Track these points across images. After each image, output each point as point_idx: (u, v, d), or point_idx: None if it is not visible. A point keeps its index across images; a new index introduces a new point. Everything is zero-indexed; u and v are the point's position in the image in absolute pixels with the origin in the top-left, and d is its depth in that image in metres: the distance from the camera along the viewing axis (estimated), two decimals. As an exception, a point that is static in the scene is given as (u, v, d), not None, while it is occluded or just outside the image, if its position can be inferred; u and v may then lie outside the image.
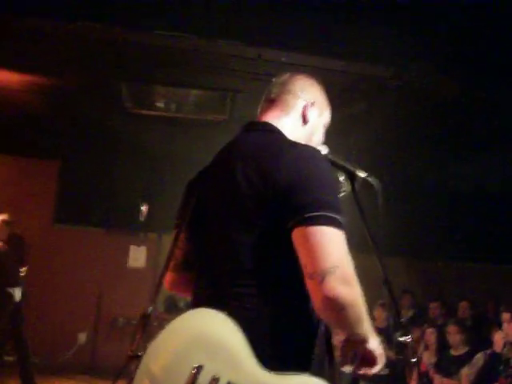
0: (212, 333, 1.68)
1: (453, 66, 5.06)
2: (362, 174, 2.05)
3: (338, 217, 1.71)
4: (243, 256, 1.79)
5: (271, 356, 1.70)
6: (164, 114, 7.10)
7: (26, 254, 7.16)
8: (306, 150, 1.86)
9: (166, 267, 1.95)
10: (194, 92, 6.63)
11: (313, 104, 2.08)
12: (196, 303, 1.91)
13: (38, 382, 7.19)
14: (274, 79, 2.14)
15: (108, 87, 6.57)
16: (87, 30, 5.00)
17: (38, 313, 8.61)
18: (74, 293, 8.96)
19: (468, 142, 7.38)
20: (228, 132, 2.09)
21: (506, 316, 5.32)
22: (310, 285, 1.69)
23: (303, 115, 2.06)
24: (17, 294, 6.74)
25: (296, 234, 1.71)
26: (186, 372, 1.62)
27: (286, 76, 2.13)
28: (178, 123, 7.51)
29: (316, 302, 1.70)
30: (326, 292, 1.65)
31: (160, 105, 6.95)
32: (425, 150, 7.77)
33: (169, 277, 2.07)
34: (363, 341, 1.83)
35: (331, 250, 1.67)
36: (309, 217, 1.69)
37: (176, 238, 1.98)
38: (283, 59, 4.94)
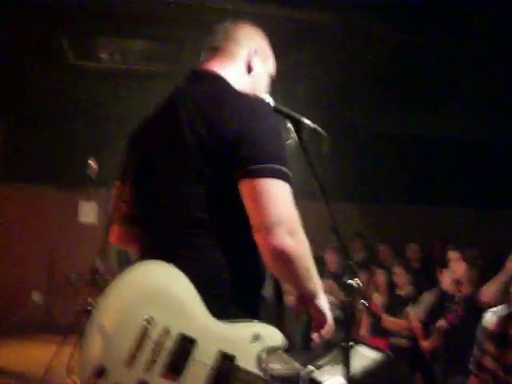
0: (161, 285, 1.68)
1: (398, 14, 5.07)
2: (308, 122, 2.04)
3: (284, 169, 1.71)
4: (190, 207, 1.78)
5: (221, 304, 1.72)
6: (109, 65, 6.93)
7: None
8: (253, 101, 1.84)
9: (111, 222, 1.93)
10: (139, 42, 6.49)
11: (256, 51, 2.05)
12: (143, 256, 1.88)
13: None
14: (215, 26, 2.09)
15: (49, 41, 6.36)
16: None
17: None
18: (25, 251, 8.84)
19: (412, 90, 7.47)
20: (176, 82, 2.05)
21: (452, 255, 5.42)
22: (257, 237, 1.71)
23: (247, 63, 2.03)
24: None
25: (242, 186, 1.71)
26: (137, 325, 1.63)
27: (228, 24, 2.08)
28: (124, 75, 7.35)
29: (264, 254, 1.72)
30: (274, 244, 1.67)
31: (104, 56, 6.78)
32: (372, 97, 7.83)
33: (115, 231, 2.05)
34: (313, 296, 1.87)
35: (277, 202, 1.68)
36: (254, 169, 1.69)
37: (120, 192, 1.96)
38: (228, 7, 4.86)
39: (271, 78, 2.15)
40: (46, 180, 9.02)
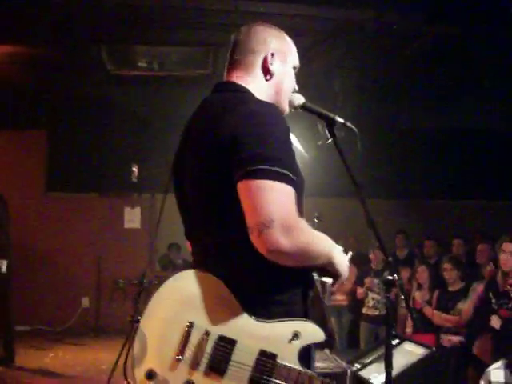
0: (199, 291, 1.76)
1: (430, 8, 5.03)
2: (340, 120, 2.04)
3: (280, 169, 1.69)
4: (213, 213, 1.83)
5: (261, 305, 1.76)
6: (147, 73, 7.04)
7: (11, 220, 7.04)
8: (256, 106, 1.83)
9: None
10: (176, 49, 6.57)
11: (272, 55, 2.00)
12: (192, 262, 1.98)
13: (44, 348, 7.38)
14: (233, 38, 2.05)
15: (88, 51, 6.50)
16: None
17: (40, 281, 8.72)
18: (74, 258, 9.04)
19: (450, 83, 7.37)
20: (212, 86, 2.07)
21: (507, 247, 5.19)
22: (251, 239, 1.69)
23: (265, 69, 2.00)
24: (3, 265, 6.77)
25: (239, 188, 1.71)
26: (180, 330, 1.74)
27: (244, 32, 2.04)
28: (162, 81, 7.45)
29: (264, 255, 1.70)
30: (267, 246, 1.66)
31: (142, 64, 6.89)
32: (408, 92, 7.75)
33: None
34: (327, 265, 1.86)
35: (268, 203, 1.66)
36: (248, 170, 1.68)
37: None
38: (261, 9, 4.87)
39: (296, 69, 2.10)
40: (92, 188, 9.22)
